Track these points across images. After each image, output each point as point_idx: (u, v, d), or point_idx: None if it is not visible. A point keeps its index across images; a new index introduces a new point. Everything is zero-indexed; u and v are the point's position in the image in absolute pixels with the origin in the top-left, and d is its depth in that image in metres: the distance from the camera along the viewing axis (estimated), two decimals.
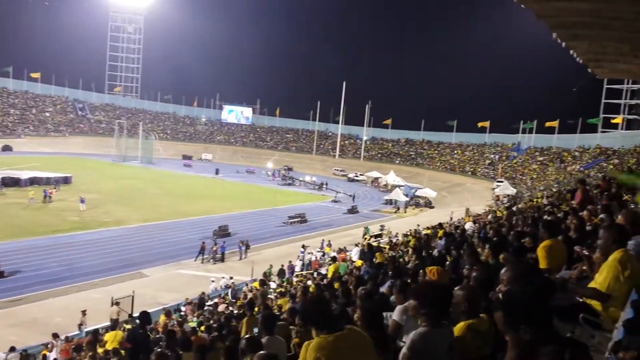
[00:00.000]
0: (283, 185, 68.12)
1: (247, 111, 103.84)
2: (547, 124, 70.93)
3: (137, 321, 11.18)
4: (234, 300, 20.34)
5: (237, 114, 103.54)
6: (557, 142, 71.13)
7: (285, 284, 22.56)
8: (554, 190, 36.44)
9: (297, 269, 28.13)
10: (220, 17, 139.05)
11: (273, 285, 22.84)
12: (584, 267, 5.24)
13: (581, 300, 4.42)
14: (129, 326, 16.36)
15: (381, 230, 38.72)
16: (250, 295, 19.38)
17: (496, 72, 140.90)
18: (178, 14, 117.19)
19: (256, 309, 10.62)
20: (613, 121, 66.89)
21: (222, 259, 31.17)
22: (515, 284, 3.86)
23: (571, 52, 25.80)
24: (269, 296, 17.88)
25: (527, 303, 2.42)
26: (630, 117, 67.91)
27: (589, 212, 9.87)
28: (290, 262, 28.52)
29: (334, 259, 21.74)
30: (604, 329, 3.97)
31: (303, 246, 31.40)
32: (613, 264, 4.18)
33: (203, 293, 23.04)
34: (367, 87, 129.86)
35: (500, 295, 3.59)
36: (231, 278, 25.94)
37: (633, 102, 68.14)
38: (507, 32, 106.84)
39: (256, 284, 21.68)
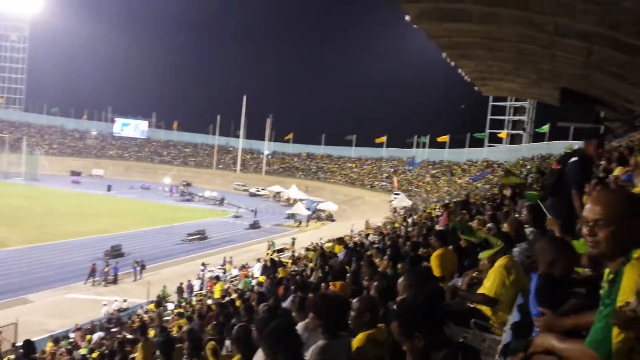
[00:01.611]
0: (181, 201, 66.05)
1: (142, 124, 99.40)
2: (439, 138, 74.96)
3: (21, 350, 10.26)
4: (115, 329, 19.27)
5: (131, 128, 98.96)
6: (448, 156, 75.29)
7: (184, 304, 21.77)
8: (446, 201, 38.41)
9: (197, 288, 27.23)
10: (113, 26, 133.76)
11: (171, 306, 21.95)
12: (474, 274, 5.47)
13: (472, 305, 4.58)
14: (12, 356, 14.99)
15: (293, 243, 38.69)
16: (146, 317, 18.51)
17: (392, 89, 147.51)
18: (67, 22, 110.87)
19: (152, 332, 10.10)
20: (498, 136, 72.08)
21: (115, 281, 29.47)
22: (408, 292, 3.92)
23: (459, 70, 27.59)
24: (166, 318, 17.16)
25: (419, 311, 2.43)
26: (514, 132, 73.83)
27: (478, 221, 10.43)
28: (189, 281, 27.57)
29: (217, 278, 21.24)
30: (493, 333, 4.13)
31: (203, 264, 30.53)
32: (499, 269, 4.37)
33: (112, 314, 21.68)
34: (268, 101, 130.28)
35: (394, 305, 3.62)
36: (125, 301, 24.59)
37: (516, 118, 74.29)
38: (402, 51, 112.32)
39: (152, 306, 20.74)
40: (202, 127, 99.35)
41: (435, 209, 33.13)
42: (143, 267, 30.80)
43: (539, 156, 53.71)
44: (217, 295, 17.86)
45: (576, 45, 17.72)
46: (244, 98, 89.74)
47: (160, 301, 22.62)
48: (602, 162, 10.90)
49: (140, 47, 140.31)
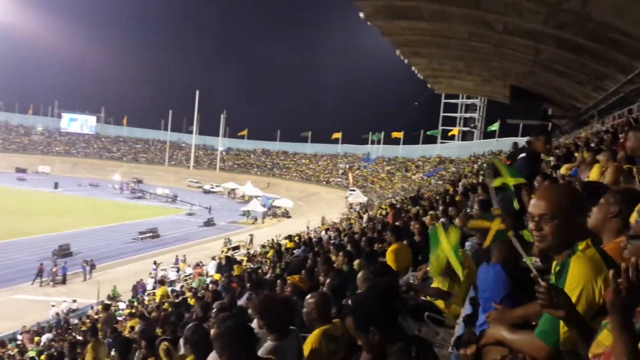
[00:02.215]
0: (132, 199, 64.42)
1: (91, 120, 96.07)
2: (393, 134, 75.98)
3: None
4: (69, 329, 18.71)
5: (78, 123, 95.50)
6: (403, 152, 76.36)
7: (135, 303, 21.31)
8: (400, 197, 38.98)
9: (149, 287, 26.70)
10: (60, 19, 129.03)
11: (122, 305, 21.43)
12: (428, 268, 5.56)
13: (426, 299, 4.66)
14: None
15: (251, 240, 38.39)
16: (97, 318, 18.03)
17: (348, 86, 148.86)
18: (12, 14, 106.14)
19: (100, 333, 9.84)
20: (450, 133, 73.61)
21: (64, 281, 28.55)
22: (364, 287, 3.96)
23: (413, 68, 27.99)
24: (118, 318, 16.77)
25: (373, 305, 2.44)
26: (465, 129, 75.64)
27: (430, 217, 10.62)
28: (141, 280, 27.00)
29: (161, 282, 20.79)
30: (447, 326, 4.21)
31: (155, 263, 29.94)
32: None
33: (57, 314, 20.95)
34: (222, 96, 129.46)
35: (349, 301, 3.65)
36: (74, 301, 23.87)
37: (467, 115, 76.16)
38: (357, 48, 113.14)
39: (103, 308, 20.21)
40: (153, 122, 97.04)
41: (390, 205, 33.52)
42: (93, 266, 29.97)
43: (489, 152, 55.16)
44: (157, 299, 17.52)
45: (525, 44, 18.34)
46: (197, 93, 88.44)
47: (110, 302, 22.06)
48: (552, 159, 11.31)
49: (88, 39, 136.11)
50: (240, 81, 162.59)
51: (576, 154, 9.13)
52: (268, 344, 3.60)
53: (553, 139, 23.69)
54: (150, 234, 41.23)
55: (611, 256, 2.03)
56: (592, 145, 10.74)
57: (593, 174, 5.89)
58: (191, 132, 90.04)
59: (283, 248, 20.97)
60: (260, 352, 3.45)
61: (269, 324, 3.62)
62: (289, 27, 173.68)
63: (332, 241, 16.29)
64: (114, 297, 24.32)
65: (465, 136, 75.70)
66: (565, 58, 18.15)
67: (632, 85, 17.17)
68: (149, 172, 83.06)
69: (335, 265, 7.87)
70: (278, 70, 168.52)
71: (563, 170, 9.01)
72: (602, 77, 18.79)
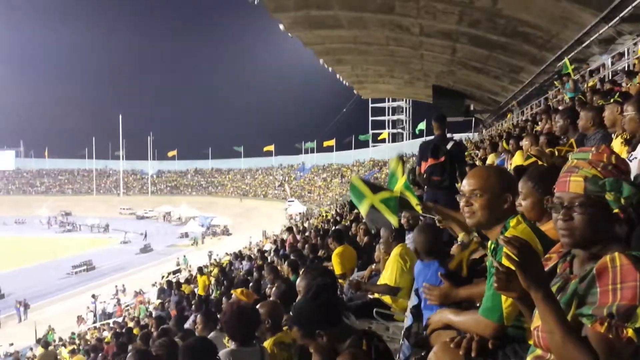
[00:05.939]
0: (62, 233, 61.46)
1: (9, 155, 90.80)
2: (325, 143, 76.61)
3: None
4: None
5: None
6: (337, 159, 77.07)
7: (76, 340, 20.37)
8: (339, 203, 39.38)
9: (90, 322, 25.57)
10: None
11: (60, 345, 20.39)
12: (373, 267, 5.65)
13: (372, 296, 4.74)
14: None
15: (210, 257, 37.40)
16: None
17: (276, 98, 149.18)
18: None
19: None
20: (380, 137, 75.12)
21: None
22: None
23: (338, 76, 28.39)
24: (59, 357, 15.95)
25: (312, 309, 2.46)
26: (394, 131, 77.66)
27: None
28: (80, 316, 25.82)
29: None
30: (396, 320, 4.29)
31: (93, 296, 28.72)
32: (395, 258, 4.56)
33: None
34: (147, 118, 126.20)
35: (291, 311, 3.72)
36: (11, 344, 22.49)
37: (395, 117, 78.20)
38: (282, 59, 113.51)
39: (41, 349, 19.13)
40: (76, 151, 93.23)
41: (328, 211, 33.81)
42: (27, 306, 28.44)
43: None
44: None
45: (441, 44, 19.08)
46: (120, 117, 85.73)
47: (47, 341, 20.96)
48: (480, 152, 11.78)
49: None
50: (165, 101, 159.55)
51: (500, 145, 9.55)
52: (227, 348, 3.68)
53: (477, 134, 24.77)
54: (85, 267, 39.56)
55: (543, 231, 2.14)
56: (514, 134, 11.29)
57: (517, 159, 6.18)
58: (118, 158, 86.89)
59: (225, 264, 20.67)
60: (219, 354, 3.51)
61: (228, 331, 3.71)
62: (212, 43, 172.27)
63: (275, 252, 16.19)
64: (47, 339, 23.08)
65: (395, 138, 77.63)
66: (481, 55, 19.00)
67: (545, 75, 18.19)
68: (78, 204, 79.35)
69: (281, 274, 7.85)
70: (203, 87, 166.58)
71: (489, 160, 9.41)
72: (516, 70, 19.79)
